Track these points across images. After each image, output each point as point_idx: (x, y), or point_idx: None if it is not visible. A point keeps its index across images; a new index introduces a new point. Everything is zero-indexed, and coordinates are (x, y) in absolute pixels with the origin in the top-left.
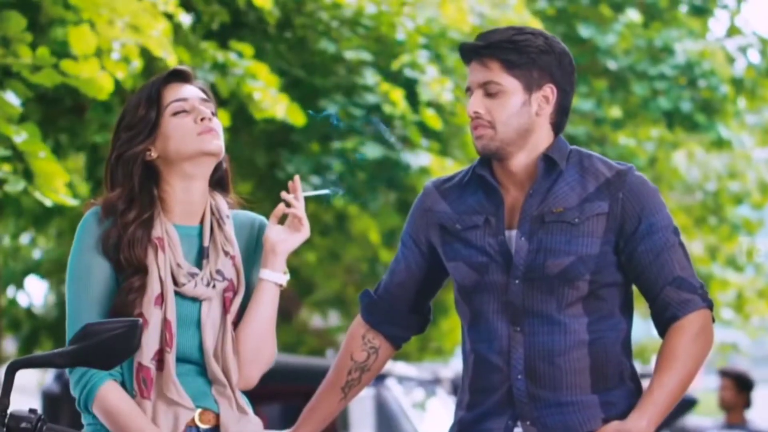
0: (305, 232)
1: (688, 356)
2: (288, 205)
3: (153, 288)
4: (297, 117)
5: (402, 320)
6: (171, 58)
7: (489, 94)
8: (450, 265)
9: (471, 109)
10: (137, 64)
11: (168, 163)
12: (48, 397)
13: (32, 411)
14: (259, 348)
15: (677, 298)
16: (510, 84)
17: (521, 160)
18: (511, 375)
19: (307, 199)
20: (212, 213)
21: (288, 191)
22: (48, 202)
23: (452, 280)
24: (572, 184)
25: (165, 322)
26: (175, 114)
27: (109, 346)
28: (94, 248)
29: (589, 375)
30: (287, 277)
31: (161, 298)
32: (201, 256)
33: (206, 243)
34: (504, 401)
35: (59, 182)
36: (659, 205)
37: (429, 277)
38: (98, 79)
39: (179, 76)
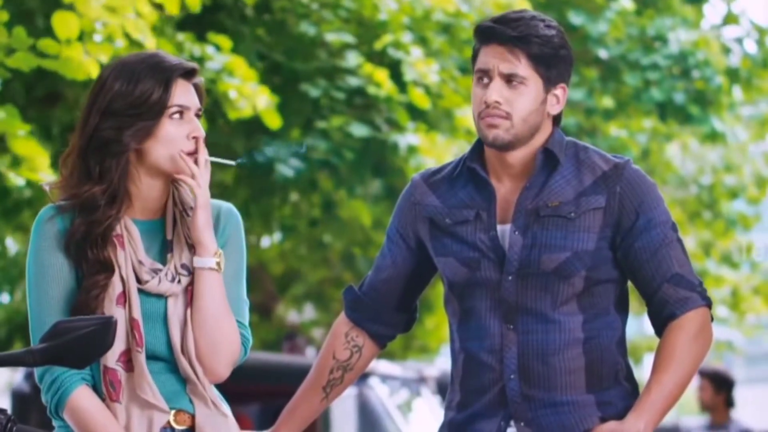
0: (201, 200)
1: (687, 356)
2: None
3: (114, 287)
4: (272, 119)
5: (387, 318)
6: (150, 42)
7: (510, 85)
8: (440, 260)
9: (491, 98)
10: (122, 43)
11: (141, 159)
12: (18, 397)
13: (1, 411)
14: (214, 339)
15: (675, 295)
16: (534, 80)
17: (521, 153)
18: (504, 374)
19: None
20: (175, 204)
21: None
22: (21, 181)
23: (441, 276)
24: (568, 178)
25: (132, 321)
26: (172, 118)
27: (82, 344)
28: (52, 246)
29: (584, 374)
30: (219, 257)
31: (123, 297)
32: (164, 250)
33: (170, 236)
34: (496, 401)
35: (41, 162)
36: (657, 200)
37: (416, 274)
38: (78, 61)
39: (188, 74)
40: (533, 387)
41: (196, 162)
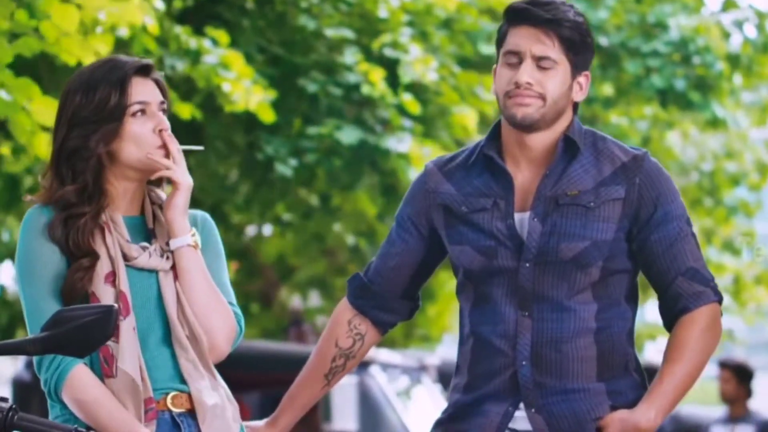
0: (184, 184)
1: (698, 349)
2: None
3: (102, 266)
4: (267, 114)
5: (393, 306)
6: (153, 25)
7: (541, 69)
8: (455, 248)
9: (522, 78)
10: (125, 31)
11: (113, 160)
12: (19, 385)
13: (3, 400)
14: (208, 314)
15: (690, 289)
16: (563, 64)
17: (542, 137)
18: (516, 361)
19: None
20: (153, 203)
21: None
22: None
23: (455, 264)
24: (587, 167)
25: (119, 294)
26: (134, 116)
27: (83, 332)
28: (41, 236)
29: (596, 363)
30: (195, 234)
31: (113, 275)
32: (148, 240)
33: (151, 225)
34: (506, 387)
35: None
36: (674, 194)
37: (425, 262)
38: (79, 47)
39: (143, 71)
40: (545, 374)
41: (168, 155)
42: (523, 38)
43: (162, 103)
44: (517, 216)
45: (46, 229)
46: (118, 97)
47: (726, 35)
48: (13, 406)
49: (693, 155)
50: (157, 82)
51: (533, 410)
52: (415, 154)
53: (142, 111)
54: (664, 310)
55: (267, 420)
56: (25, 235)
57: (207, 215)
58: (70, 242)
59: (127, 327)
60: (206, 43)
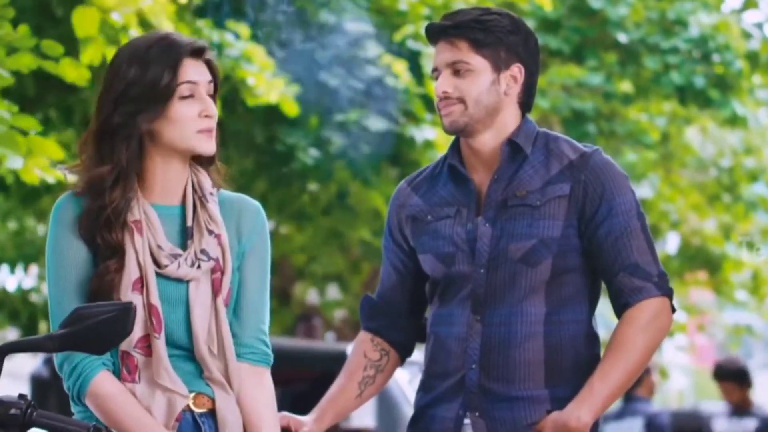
0: None
1: (635, 346)
2: None
3: (130, 273)
4: (290, 108)
5: (402, 324)
6: (167, 27)
7: (458, 74)
8: (420, 257)
9: (439, 89)
10: (136, 32)
11: (155, 140)
12: (37, 381)
13: (22, 397)
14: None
15: (630, 284)
16: (479, 63)
17: (488, 139)
18: (466, 364)
19: None
20: (194, 191)
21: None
22: (51, 179)
23: (424, 272)
24: (537, 167)
25: (150, 306)
26: (183, 98)
27: (101, 330)
28: (69, 232)
29: (544, 367)
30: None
31: (140, 283)
32: (184, 237)
33: (189, 223)
34: (457, 388)
35: (54, 153)
36: (622, 189)
37: (418, 276)
38: (76, 65)
39: (197, 53)
40: (492, 379)
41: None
42: (438, 53)
43: (210, 82)
44: (475, 221)
45: (75, 223)
46: (170, 77)
47: (746, 34)
48: (32, 403)
49: (711, 151)
50: (208, 63)
51: (477, 414)
52: (440, 141)
53: (191, 94)
54: (612, 305)
55: (312, 416)
56: (54, 227)
57: (260, 208)
58: (99, 239)
59: (161, 344)
60: (228, 37)
